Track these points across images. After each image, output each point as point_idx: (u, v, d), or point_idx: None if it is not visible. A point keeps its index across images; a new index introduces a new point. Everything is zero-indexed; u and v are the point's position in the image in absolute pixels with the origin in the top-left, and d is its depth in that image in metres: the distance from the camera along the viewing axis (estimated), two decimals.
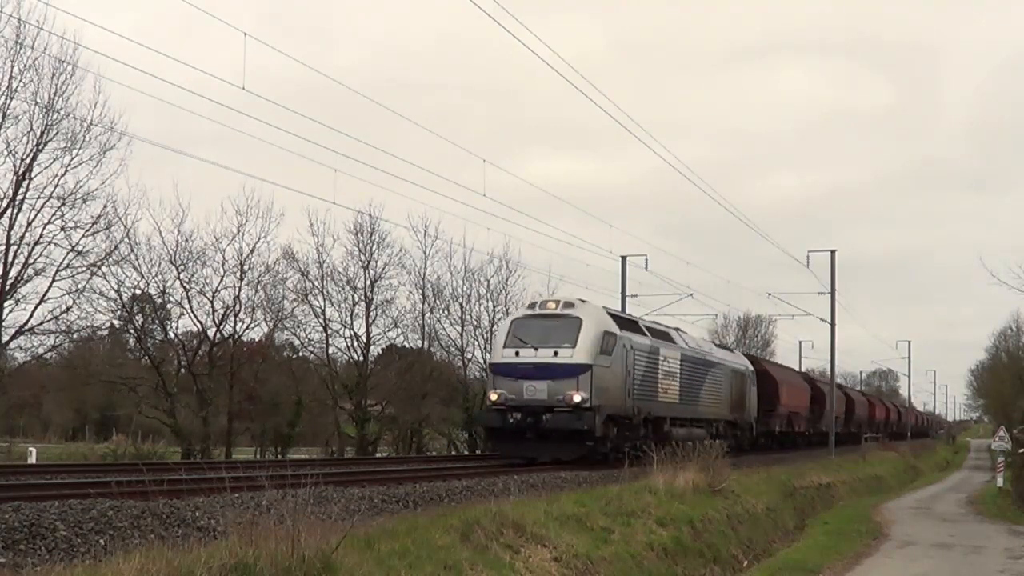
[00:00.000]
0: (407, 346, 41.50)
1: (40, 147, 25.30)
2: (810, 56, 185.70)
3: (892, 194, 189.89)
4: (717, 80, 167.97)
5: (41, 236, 25.90)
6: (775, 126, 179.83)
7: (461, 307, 40.36)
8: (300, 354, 40.74)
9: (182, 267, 32.39)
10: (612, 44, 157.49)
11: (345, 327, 38.00)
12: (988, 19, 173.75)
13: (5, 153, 24.90)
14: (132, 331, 34.23)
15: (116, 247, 28.65)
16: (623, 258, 40.72)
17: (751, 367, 37.12)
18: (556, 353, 21.44)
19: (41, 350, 29.00)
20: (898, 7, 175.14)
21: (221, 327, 33.96)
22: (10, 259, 25.54)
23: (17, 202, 25.28)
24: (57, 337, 28.47)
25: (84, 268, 27.39)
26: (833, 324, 45.24)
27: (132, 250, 30.17)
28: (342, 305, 37.54)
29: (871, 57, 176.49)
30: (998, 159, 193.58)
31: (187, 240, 32.17)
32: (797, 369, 63.57)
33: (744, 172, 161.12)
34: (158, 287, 32.55)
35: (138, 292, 32.54)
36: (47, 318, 27.01)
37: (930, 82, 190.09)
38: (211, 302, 33.34)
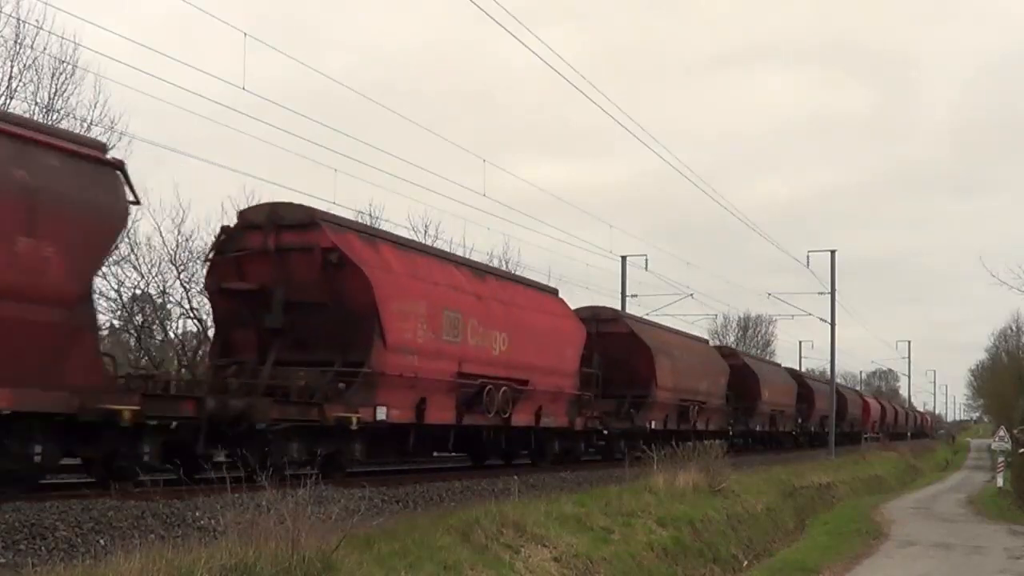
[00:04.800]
0: None
1: None
2: (791, 62, 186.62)
3: (886, 196, 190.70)
4: (703, 85, 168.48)
5: None
6: (759, 131, 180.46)
7: None
8: None
9: (182, 267, 32.28)
10: (597, 53, 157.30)
11: None
12: (965, 26, 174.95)
13: None
14: (132, 331, 34.21)
15: (116, 247, 28.57)
16: (623, 258, 40.75)
17: None
18: None
19: None
20: (876, 15, 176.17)
21: None
22: None
23: None
24: None
25: None
26: (833, 324, 45.27)
27: (132, 250, 30.07)
28: None
29: (851, 64, 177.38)
30: (981, 162, 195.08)
31: (187, 240, 32.08)
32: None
33: (733, 175, 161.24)
34: (158, 287, 32.49)
35: (138, 292, 32.53)
36: None
37: (908, 87, 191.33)
38: None
